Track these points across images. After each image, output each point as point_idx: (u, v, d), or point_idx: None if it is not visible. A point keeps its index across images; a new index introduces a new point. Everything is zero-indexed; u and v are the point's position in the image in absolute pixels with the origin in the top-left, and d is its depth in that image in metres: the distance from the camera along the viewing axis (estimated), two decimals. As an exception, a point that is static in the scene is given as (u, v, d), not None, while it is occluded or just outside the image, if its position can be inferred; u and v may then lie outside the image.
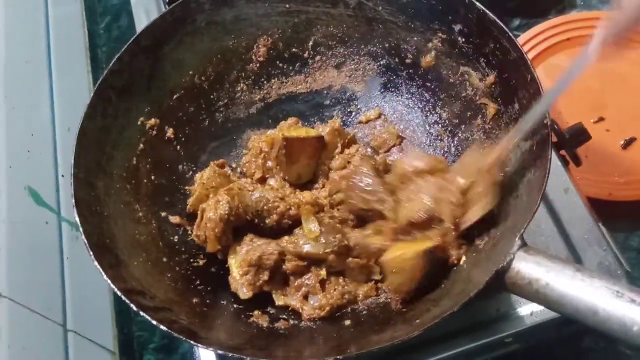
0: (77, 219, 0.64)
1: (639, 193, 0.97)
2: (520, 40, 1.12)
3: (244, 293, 0.70)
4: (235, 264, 0.72)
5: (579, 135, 0.87)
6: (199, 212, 0.73)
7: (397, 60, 0.85)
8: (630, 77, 1.09)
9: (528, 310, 0.74)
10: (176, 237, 0.76)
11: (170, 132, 0.81)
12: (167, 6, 0.92)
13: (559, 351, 0.87)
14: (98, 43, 1.30)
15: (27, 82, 0.99)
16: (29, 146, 0.91)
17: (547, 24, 1.15)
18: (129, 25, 1.29)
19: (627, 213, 0.99)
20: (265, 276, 0.70)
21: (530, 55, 1.11)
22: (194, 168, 0.82)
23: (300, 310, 0.70)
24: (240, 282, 0.71)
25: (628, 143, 1.03)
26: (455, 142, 0.81)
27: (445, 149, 0.82)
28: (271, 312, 0.71)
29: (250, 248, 0.71)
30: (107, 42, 1.30)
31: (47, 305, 0.80)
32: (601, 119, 1.06)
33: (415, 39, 0.81)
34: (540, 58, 1.12)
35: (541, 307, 0.72)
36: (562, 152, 0.88)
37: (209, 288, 0.72)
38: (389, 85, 0.87)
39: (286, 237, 0.72)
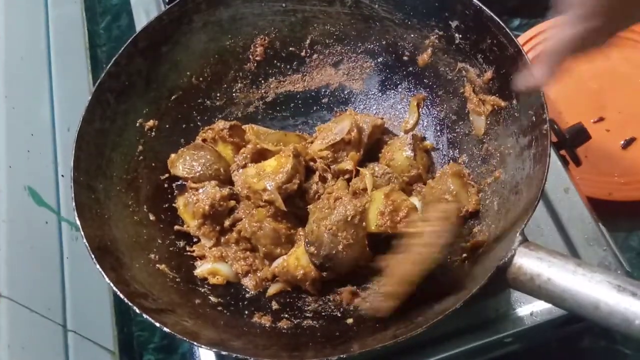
0: (78, 222, 0.65)
1: (638, 193, 0.97)
2: (520, 39, 1.12)
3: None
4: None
5: (579, 135, 0.87)
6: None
7: (394, 57, 0.85)
8: (630, 78, 1.09)
9: (528, 311, 0.74)
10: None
11: (168, 133, 0.81)
12: (166, 6, 0.92)
13: (558, 351, 0.87)
14: (98, 43, 1.30)
15: (27, 81, 0.99)
16: (29, 146, 0.91)
17: (547, 23, 1.14)
18: (129, 25, 1.29)
19: (627, 213, 0.98)
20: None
21: (530, 55, 1.10)
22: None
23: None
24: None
25: (628, 143, 1.03)
26: (454, 138, 0.81)
27: (444, 145, 0.82)
28: (273, 311, 0.71)
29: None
30: (107, 42, 1.30)
31: (47, 305, 0.80)
32: (601, 119, 1.06)
33: (412, 36, 0.81)
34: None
35: (541, 307, 0.73)
36: (562, 152, 0.87)
37: (211, 288, 0.72)
38: (386, 83, 0.87)
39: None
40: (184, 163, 0.78)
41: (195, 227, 0.76)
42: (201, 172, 0.77)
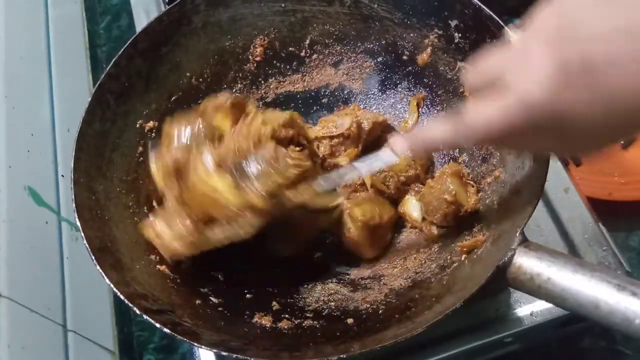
0: (78, 224, 0.64)
1: (638, 193, 0.97)
2: (520, 39, 1.12)
3: None
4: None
5: (579, 135, 0.87)
6: None
7: (394, 57, 0.85)
8: (630, 77, 1.09)
9: (528, 311, 0.74)
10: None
11: (168, 134, 0.81)
12: (166, 6, 0.92)
13: (558, 351, 0.87)
14: (98, 43, 1.30)
15: (27, 82, 0.98)
16: (28, 146, 0.91)
17: (547, 23, 1.14)
18: (129, 25, 1.29)
19: (627, 213, 0.98)
20: None
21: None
22: (193, 168, 0.82)
23: None
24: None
25: (628, 143, 1.03)
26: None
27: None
28: (274, 312, 0.71)
29: None
30: (107, 42, 1.30)
31: (47, 305, 0.80)
32: (601, 119, 1.06)
33: (412, 35, 0.81)
34: (540, 57, 1.12)
35: (541, 307, 0.73)
36: (562, 151, 0.87)
37: (211, 289, 0.72)
38: (386, 83, 0.87)
39: None
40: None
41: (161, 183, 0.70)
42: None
